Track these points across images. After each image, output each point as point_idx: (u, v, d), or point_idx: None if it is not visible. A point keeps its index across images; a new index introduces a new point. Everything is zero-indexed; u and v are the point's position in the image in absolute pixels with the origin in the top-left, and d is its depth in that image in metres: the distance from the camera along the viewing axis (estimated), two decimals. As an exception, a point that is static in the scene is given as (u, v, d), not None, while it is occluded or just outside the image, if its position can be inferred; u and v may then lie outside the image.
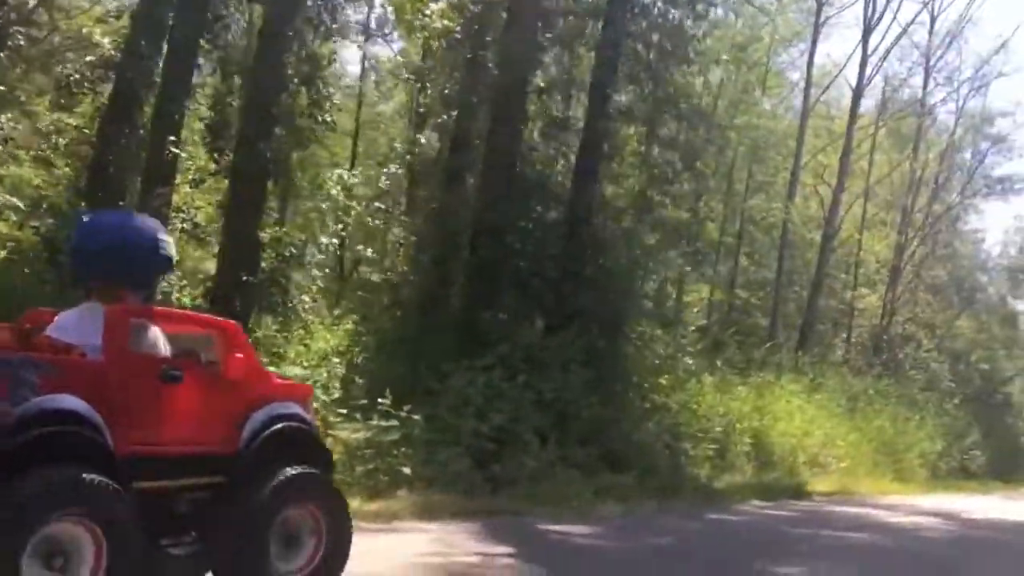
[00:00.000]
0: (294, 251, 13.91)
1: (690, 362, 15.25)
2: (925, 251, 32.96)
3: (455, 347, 11.49)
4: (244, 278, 11.73)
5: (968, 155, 34.96)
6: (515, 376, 11.12)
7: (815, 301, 27.29)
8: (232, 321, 5.07)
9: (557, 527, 7.93)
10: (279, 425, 4.61)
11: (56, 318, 4.40)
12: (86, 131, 13.28)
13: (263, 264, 13.20)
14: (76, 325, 4.29)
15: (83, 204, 10.75)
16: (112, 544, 3.81)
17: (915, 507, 13.33)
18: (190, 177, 13.76)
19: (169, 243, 4.57)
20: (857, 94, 28.47)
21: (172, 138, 12.02)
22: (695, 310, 28.74)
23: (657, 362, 14.43)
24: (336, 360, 11.89)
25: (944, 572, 7.84)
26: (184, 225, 13.36)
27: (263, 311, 13.06)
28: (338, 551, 4.79)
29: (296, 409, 4.82)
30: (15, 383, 3.74)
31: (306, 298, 14.12)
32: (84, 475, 3.76)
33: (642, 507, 10.45)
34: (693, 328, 21.21)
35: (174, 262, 4.76)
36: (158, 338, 4.43)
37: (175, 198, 12.99)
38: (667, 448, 13.09)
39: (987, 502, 16.73)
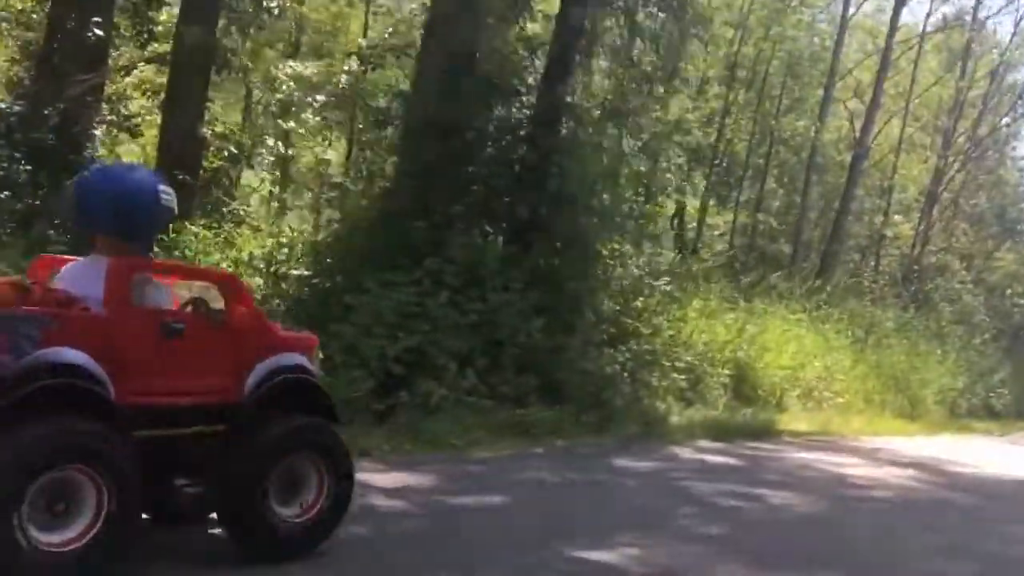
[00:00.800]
0: (239, 150, 12.23)
1: (666, 286, 14.21)
2: (966, 177, 31.15)
3: (385, 260, 10.49)
4: (182, 177, 10.71)
5: (1021, 75, 32.25)
6: (439, 293, 9.91)
7: (841, 226, 26.05)
8: (234, 274, 5.21)
9: (372, 473, 6.80)
10: (282, 376, 4.70)
11: (63, 269, 4.50)
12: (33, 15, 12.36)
13: (204, 164, 12.33)
14: (80, 277, 4.39)
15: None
16: (112, 490, 3.96)
17: (897, 453, 11.93)
18: (121, 64, 12.51)
19: (170, 195, 4.61)
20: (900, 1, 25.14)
21: (97, 19, 11.34)
22: (718, 233, 28.32)
23: (625, 283, 13.28)
24: (261, 268, 11.01)
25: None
26: (114, 118, 11.70)
27: (203, 214, 12.32)
28: (340, 498, 4.92)
29: (300, 360, 4.90)
30: (17, 337, 3.86)
31: (253, 201, 12.64)
32: (84, 425, 3.90)
33: (553, 447, 9.32)
34: (711, 253, 19.66)
35: (175, 214, 4.85)
36: (161, 291, 4.54)
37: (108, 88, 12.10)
38: (629, 379, 11.94)
39: (993, 447, 15.52)
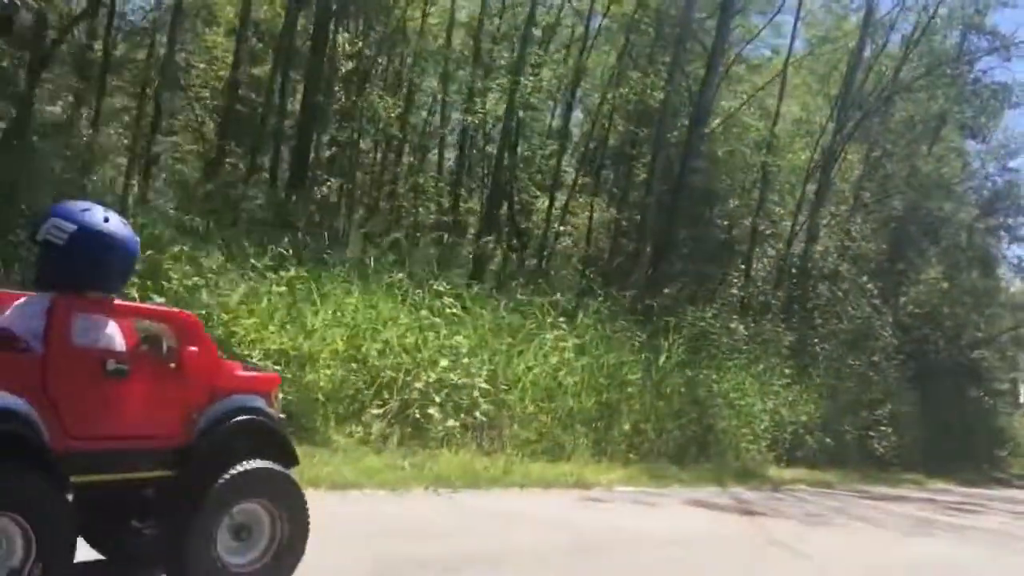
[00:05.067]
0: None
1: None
2: (866, 161, 27.81)
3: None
4: None
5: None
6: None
7: (675, 213, 22.75)
8: (188, 312, 5.39)
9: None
10: (234, 418, 4.95)
11: (11, 306, 4.76)
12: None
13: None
14: (23, 315, 4.59)
15: None
16: (42, 538, 4.15)
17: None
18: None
19: (137, 241, 4.82)
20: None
21: None
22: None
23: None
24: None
25: None
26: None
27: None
28: (293, 546, 5.07)
29: (257, 401, 5.13)
30: None
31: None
32: (12, 471, 4.12)
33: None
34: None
35: (138, 258, 5.06)
36: (108, 331, 4.72)
37: None
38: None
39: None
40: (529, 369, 14.27)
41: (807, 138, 26.73)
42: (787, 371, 20.84)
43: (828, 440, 20.73)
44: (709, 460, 16.41)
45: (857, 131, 27.29)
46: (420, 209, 22.02)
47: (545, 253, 22.49)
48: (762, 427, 18.78)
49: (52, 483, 4.20)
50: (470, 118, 20.77)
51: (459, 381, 12.79)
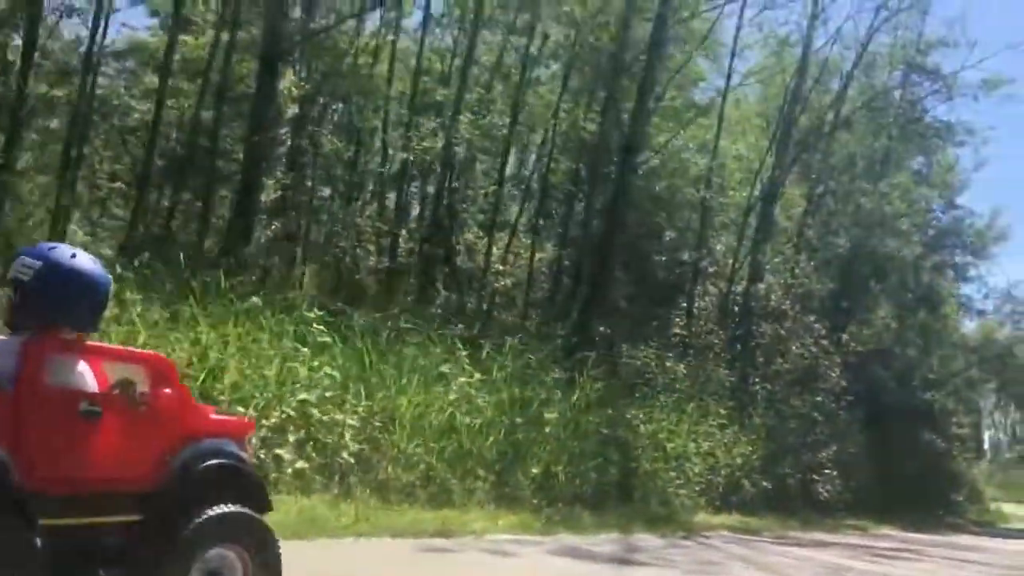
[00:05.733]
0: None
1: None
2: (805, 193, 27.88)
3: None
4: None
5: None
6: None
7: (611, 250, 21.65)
8: (162, 355, 5.61)
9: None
10: (206, 463, 5.00)
11: None
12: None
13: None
14: None
15: None
16: None
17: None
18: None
19: (109, 279, 4.87)
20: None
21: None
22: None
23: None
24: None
25: None
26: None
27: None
28: None
29: (229, 446, 5.18)
30: None
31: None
32: None
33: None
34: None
35: (109, 298, 4.98)
36: (81, 372, 4.75)
37: None
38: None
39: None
40: (416, 406, 13.01)
41: (748, 175, 26.72)
42: (723, 411, 20.25)
43: (765, 484, 20.06)
44: (631, 505, 15.64)
45: (798, 167, 27.08)
46: (359, 251, 21.58)
47: (483, 293, 22.29)
48: (695, 470, 18.18)
49: (22, 525, 4.18)
50: (410, 156, 20.70)
51: (325, 418, 11.59)
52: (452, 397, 13.76)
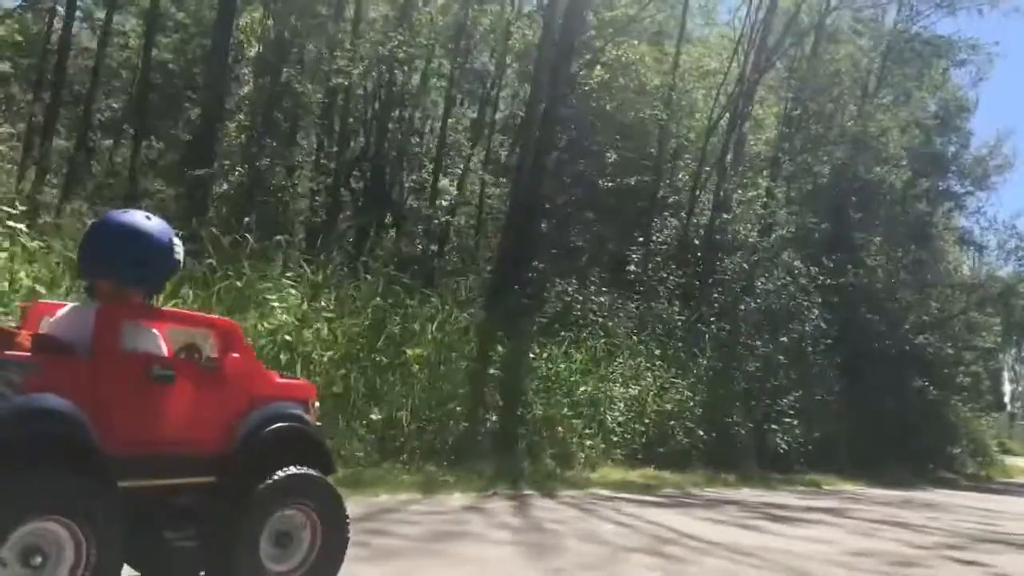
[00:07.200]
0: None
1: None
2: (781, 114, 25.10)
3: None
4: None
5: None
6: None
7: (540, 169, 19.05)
8: (229, 320, 5.88)
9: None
10: (274, 425, 5.21)
11: (56, 314, 5.11)
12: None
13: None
14: (71, 323, 4.88)
15: None
16: (92, 542, 4.28)
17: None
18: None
19: (180, 246, 5.00)
20: None
21: None
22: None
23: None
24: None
25: None
26: None
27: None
28: (332, 553, 5.33)
29: (295, 409, 5.41)
30: None
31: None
32: (63, 474, 4.33)
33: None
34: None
35: (182, 265, 5.18)
36: (153, 337, 5.04)
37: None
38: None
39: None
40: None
41: (712, 90, 24.18)
42: (659, 353, 18.46)
43: (702, 434, 17.77)
44: (510, 459, 13.19)
45: (775, 86, 24.14)
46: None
47: (422, 230, 20.91)
48: (615, 418, 16.00)
49: (103, 487, 4.42)
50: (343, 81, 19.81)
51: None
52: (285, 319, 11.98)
